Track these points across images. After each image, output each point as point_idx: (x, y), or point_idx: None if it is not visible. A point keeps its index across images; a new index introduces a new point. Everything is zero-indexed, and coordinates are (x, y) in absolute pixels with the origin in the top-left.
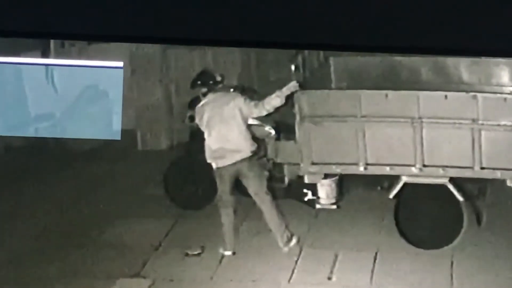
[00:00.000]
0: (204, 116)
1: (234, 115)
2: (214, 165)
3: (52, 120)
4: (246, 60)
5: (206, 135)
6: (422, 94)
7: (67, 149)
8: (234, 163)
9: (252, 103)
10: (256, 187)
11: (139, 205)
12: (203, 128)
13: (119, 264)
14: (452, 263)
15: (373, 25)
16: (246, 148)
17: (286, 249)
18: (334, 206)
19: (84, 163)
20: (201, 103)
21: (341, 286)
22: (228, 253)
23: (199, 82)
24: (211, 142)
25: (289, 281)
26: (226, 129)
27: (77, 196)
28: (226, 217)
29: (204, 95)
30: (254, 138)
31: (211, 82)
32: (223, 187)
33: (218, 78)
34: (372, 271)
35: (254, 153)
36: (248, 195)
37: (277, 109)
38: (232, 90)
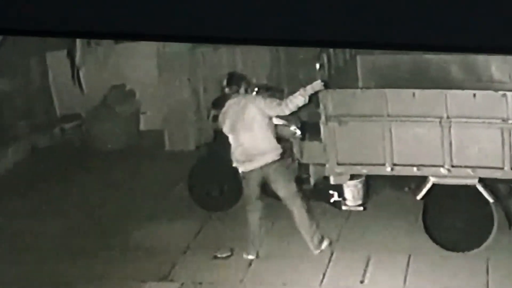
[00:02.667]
0: (226, 123)
1: (255, 118)
2: (240, 169)
3: (78, 121)
4: (275, 59)
5: (231, 141)
6: (450, 93)
7: (93, 150)
8: (260, 167)
9: (274, 102)
10: (285, 190)
11: (166, 206)
12: (226, 132)
13: (146, 267)
14: (487, 267)
15: (402, 22)
16: (271, 151)
17: (317, 252)
18: (361, 208)
19: (110, 164)
20: (222, 110)
21: None
22: (251, 257)
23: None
24: (236, 147)
25: (320, 284)
26: (249, 134)
27: (104, 197)
28: (254, 221)
29: (231, 96)
30: (279, 139)
31: (240, 83)
32: (250, 192)
33: (251, 81)
34: (406, 275)
35: (281, 156)
36: (277, 198)
37: (300, 108)
38: (257, 89)
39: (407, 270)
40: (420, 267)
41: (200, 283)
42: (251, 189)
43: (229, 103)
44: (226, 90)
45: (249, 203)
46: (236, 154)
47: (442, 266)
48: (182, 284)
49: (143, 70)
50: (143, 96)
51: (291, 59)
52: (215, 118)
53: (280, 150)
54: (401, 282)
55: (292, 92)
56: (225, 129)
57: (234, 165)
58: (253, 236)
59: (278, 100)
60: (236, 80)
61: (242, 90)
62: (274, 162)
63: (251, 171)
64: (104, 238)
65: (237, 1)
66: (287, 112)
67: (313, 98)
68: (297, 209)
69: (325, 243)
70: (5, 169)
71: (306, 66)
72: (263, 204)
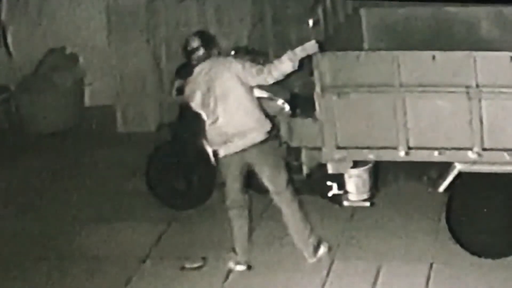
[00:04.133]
0: (195, 96)
1: (232, 87)
2: (219, 154)
3: (5, 94)
4: (258, 14)
5: (204, 116)
6: (481, 55)
7: (25, 132)
8: (243, 150)
9: (254, 69)
10: (274, 181)
11: (120, 204)
12: (197, 108)
13: (95, 282)
14: None
15: None
16: (257, 128)
17: (312, 260)
18: (367, 203)
19: (47, 150)
20: (189, 79)
21: None
22: (240, 267)
23: (194, 47)
24: (210, 126)
25: None
26: (225, 108)
27: (39, 193)
28: (237, 221)
29: (198, 63)
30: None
31: (210, 45)
32: (231, 182)
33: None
34: None
35: (269, 135)
36: (262, 191)
37: (289, 77)
38: (233, 52)
39: (427, 283)
40: (445, 278)
41: None
42: (232, 179)
43: (198, 69)
44: (192, 56)
45: (230, 198)
46: (211, 134)
47: (471, 277)
48: None
49: (88, 28)
50: (89, 62)
51: (278, 14)
52: (180, 90)
53: (267, 127)
54: None
55: (279, 56)
56: (195, 104)
57: (210, 148)
58: (241, 240)
59: (259, 66)
60: (206, 41)
61: (211, 53)
62: (259, 143)
63: (231, 156)
64: (41, 245)
65: None
66: (270, 81)
67: (306, 64)
68: (287, 206)
69: (322, 250)
70: None
71: (298, 23)
72: (247, 199)
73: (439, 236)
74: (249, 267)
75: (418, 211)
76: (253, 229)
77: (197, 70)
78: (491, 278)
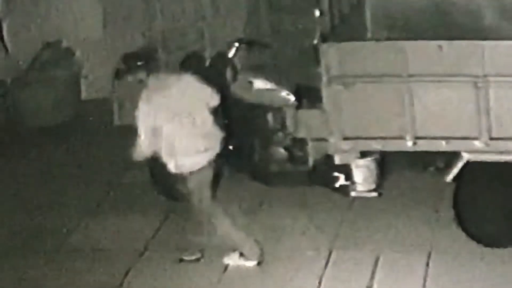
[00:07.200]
0: (156, 113)
1: (199, 107)
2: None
3: (1, 89)
4: (254, 4)
5: (164, 132)
6: (488, 44)
7: (22, 126)
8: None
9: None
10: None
11: (117, 197)
12: (155, 122)
13: (92, 275)
14: None
15: None
16: (217, 143)
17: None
18: (375, 194)
19: (44, 144)
20: (144, 93)
21: None
22: (251, 263)
23: (138, 64)
24: (171, 139)
25: None
26: (190, 124)
27: (36, 187)
28: (224, 220)
29: (140, 82)
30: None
31: (151, 61)
32: (204, 193)
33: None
34: (425, 278)
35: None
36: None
37: (294, 67)
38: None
39: (426, 272)
40: (443, 267)
41: None
42: (204, 189)
43: (153, 83)
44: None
45: (202, 206)
46: (183, 148)
47: (471, 266)
48: None
49: (84, 22)
50: (85, 56)
51: (275, 4)
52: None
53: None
54: (419, 286)
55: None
56: (149, 120)
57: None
58: (237, 235)
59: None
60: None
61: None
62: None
63: (201, 170)
64: (39, 238)
65: None
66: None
67: (312, 55)
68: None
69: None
70: None
71: (293, 13)
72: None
73: (438, 226)
74: (259, 263)
75: (417, 200)
76: (250, 221)
77: (151, 84)
78: (490, 266)
